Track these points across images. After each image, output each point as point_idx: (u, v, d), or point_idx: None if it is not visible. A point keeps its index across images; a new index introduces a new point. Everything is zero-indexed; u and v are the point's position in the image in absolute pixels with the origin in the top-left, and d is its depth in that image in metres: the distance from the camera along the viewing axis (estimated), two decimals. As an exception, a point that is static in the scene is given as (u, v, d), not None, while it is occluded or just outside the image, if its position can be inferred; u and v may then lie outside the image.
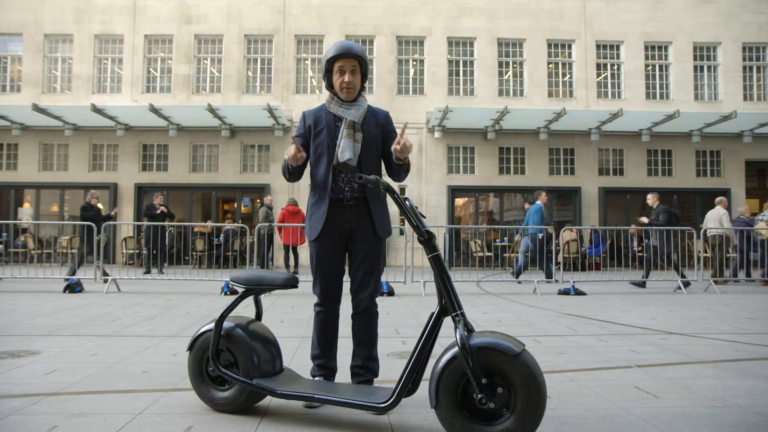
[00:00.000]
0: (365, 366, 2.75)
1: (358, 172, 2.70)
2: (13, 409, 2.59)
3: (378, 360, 2.81)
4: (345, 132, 2.70)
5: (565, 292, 8.25)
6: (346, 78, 2.69)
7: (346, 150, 2.67)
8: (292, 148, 2.62)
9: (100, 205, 10.45)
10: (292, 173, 2.77)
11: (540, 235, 9.96)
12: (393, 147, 2.62)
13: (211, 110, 14.74)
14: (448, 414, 2.13)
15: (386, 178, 2.77)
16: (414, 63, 17.31)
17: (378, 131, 2.80)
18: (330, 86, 2.79)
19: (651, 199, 10.22)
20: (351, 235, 2.75)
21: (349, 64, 2.70)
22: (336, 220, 2.71)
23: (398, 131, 2.68)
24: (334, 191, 2.71)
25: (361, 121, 2.74)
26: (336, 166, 2.69)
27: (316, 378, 2.77)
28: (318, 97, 16.62)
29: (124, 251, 15.18)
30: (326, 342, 2.78)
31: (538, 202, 10.50)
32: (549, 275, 9.91)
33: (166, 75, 17.09)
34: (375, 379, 2.80)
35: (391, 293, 7.93)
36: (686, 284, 8.91)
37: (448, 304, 2.22)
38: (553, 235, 10.00)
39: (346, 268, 2.84)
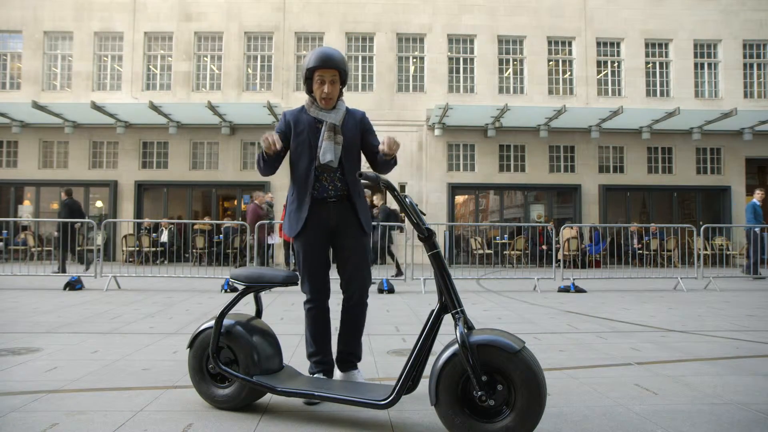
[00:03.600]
0: (350, 351, 2.83)
1: (340, 172, 2.76)
2: (14, 406, 2.59)
3: (361, 345, 2.90)
4: (326, 134, 2.75)
5: (565, 290, 8.26)
6: (326, 89, 2.73)
7: (327, 152, 2.72)
8: (270, 136, 2.59)
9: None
10: (267, 162, 2.73)
11: (757, 229, 9.88)
12: (380, 148, 2.67)
13: (211, 108, 14.72)
14: (448, 411, 2.13)
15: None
16: (414, 60, 17.28)
17: (357, 131, 2.85)
18: (310, 92, 2.82)
19: (375, 200, 10.88)
20: (335, 231, 2.79)
21: (329, 74, 2.72)
22: (318, 217, 2.75)
23: (380, 138, 2.72)
24: (318, 190, 2.75)
25: (341, 123, 2.79)
26: (317, 167, 2.74)
27: (316, 375, 2.78)
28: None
29: (125, 249, 15.19)
30: (321, 337, 2.81)
31: (754, 199, 10.59)
32: (756, 272, 9.95)
33: (166, 72, 17.06)
34: (376, 377, 2.81)
35: (391, 290, 7.93)
36: (398, 274, 9.47)
37: (448, 301, 2.22)
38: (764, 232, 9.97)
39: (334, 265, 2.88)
